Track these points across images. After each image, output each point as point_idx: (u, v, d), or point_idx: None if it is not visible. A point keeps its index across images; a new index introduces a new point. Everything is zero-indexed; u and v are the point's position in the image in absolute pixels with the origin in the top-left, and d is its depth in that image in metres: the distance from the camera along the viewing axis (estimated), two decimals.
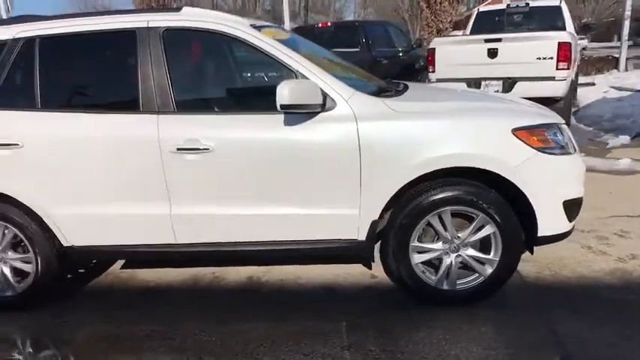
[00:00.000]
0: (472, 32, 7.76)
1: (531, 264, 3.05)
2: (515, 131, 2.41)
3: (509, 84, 6.13)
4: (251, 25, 2.62)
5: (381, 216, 2.55)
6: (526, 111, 2.71)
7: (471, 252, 2.57)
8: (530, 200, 2.44)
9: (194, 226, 2.61)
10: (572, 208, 2.56)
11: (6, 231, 2.72)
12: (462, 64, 6.38)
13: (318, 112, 2.43)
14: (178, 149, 2.47)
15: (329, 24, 8.27)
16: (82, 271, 3.31)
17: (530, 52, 5.91)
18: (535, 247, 2.71)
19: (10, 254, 2.77)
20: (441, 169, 2.43)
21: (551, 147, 2.47)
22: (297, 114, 2.41)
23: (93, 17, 2.68)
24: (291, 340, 2.41)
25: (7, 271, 2.79)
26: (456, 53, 6.47)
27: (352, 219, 2.52)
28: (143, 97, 2.53)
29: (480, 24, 7.77)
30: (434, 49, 6.61)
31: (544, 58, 5.85)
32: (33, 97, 2.62)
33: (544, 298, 2.70)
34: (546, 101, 6.03)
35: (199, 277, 3.14)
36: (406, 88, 2.97)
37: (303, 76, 2.46)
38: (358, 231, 2.55)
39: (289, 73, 2.49)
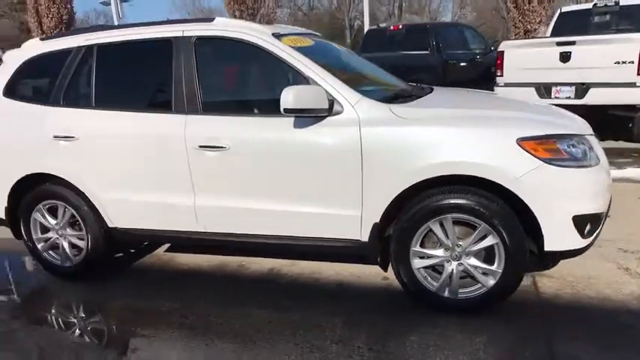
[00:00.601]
0: (553, 34, 7.29)
1: (554, 280, 2.93)
2: (521, 141, 2.35)
3: (582, 90, 5.72)
4: (274, 33, 2.82)
5: (389, 219, 2.61)
6: (541, 120, 2.59)
7: (473, 261, 2.54)
8: (535, 213, 2.37)
9: (213, 217, 2.87)
10: (585, 223, 2.43)
11: (65, 210, 3.19)
12: (531, 68, 6.08)
13: (326, 116, 2.56)
14: (200, 146, 2.75)
15: (400, 26, 8.25)
16: (133, 251, 3.74)
17: (607, 56, 5.47)
18: (561, 263, 2.62)
19: (69, 231, 3.24)
20: (447, 176, 2.44)
21: (561, 158, 2.37)
22: (306, 117, 2.57)
23: (140, 27, 3.05)
24: (289, 330, 2.57)
25: (66, 245, 3.27)
26: (526, 57, 6.17)
27: (355, 220, 2.62)
28: (175, 98, 2.84)
29: (561, 25, 7.27)
30: (502, 52, 6.36)
31: (623, 63, 5.38)
32: (89, 97, 3.06)
33: (555, 315, 2.58)
34: (625, 109, 5.58)
35: (227, 264, 3.41)
36: (427, 93, 2.98)
37: (315, 82, 2.61)
38: (361, 232, 2.63)
39: (302, 79, 2.65)
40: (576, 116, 2.90)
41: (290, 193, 2.70)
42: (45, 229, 3.29)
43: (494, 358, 2.28)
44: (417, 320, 2.60)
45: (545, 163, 2.33)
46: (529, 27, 11.07)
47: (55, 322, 2.90)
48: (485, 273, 2.53)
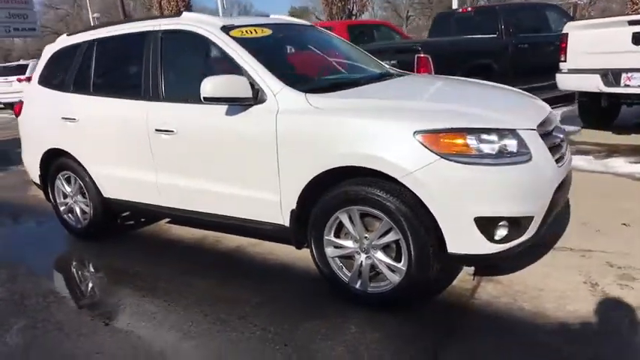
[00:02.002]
0: None
1: (499, 286, 2.71)
2: (419, 134, 2.23)
3: None
4: (225, 25, 2.99)
5: (308, 206, 2.66)
6: (455, 112, 2.39)
7: (380, 256, 2.48)
8: (432, 211, 2.24)
9: (168, 193, 3.18)
10: (493, 227, 2.23)
11: (76, 180, 3.76)
12: (599, 52, 5.35)
13: (252, 105, 2.69)
14: (156, 130, 3.06)
15: (469, 9, 7.70)
16: (143, 220, 4.24)
17: None
18: (524, 269, 2.58)
19: (79, 198, 3.82)
20: (357, 168, 2.41)
21: (466, 154, 2.20)
22: (236, 105, 2.72)
23: (132, 23, 3.45)
24: (209, 301, 2.78)
25: (78, 210, 3.86)
26: (593, 39, 5.42)
27: (276, 205, 2.71)
28: (144, 86, 3.18)
29: None
30: (566, 34, 5.66)
31: None
32: (88, 85, 3.56)
33: (472, 323, 2.41)
34: None
35: (205, 238, 3.71)
36: (377, 81, 2.92)
37: (246, 72, 2.74)
38: (282, 217, 2.73)
39: (236, 68, 2.79)
40: (531, 105, 2.62)
41: (222, 175, 2.88)
42: (64, 196, 3.92)
43: (371, 354, 2.24)
44: (325, 309, 2.62)
45: (443, 158, 2.19)
46: None
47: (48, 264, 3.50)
48: (392, 269, 2.46)
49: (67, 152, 3.68)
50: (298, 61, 3.30)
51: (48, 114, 3.75)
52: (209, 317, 2.63)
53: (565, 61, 5.69)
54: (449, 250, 2.28)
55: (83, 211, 3.83)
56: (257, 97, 2.66)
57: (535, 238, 2.43)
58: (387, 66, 3.78)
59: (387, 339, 2.34)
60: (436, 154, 2.19)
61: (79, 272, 3.49)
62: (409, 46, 6.64)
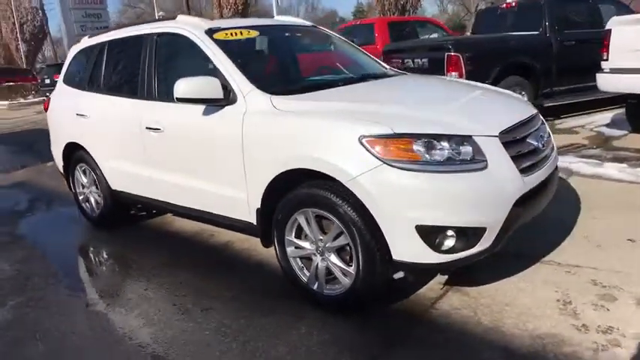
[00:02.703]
0: None
1: (465, 298, 2.62)
2: (364, 139, 2.20)
3: None
4: (211, 27, 3.10)
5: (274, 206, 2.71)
6: (405, 117, 2.32)
7: (334, 259, 2.48)
8: (374, 216, 2.22)
9: (157, 187, 3.36)
10: (436, 236, 2.16)
11: (90, 172, 4.06)
12: None
13: (225, 105, 2.78)
14: (147, 127, 3.24)
15: (513, 4, 7.28)
16: (154, 212, 4.48)
17: None
18: (496, 282, 2.52)
19: (93, 189, 4.12)
20: (309, 170, 2.42)
21: (411, 160, 2.14)
22: (212, 106, 2.82)
23: (135, 26, 3.66)
24: (183, 292, 2.92)
25: (92, 200, 4.16)
26: (638, 35, 4.99)
27: (244, 203, 2.79)
28: (140, 86, 3.38)
29: None
30: (609, 30, 5.25)
31: None
32: (99, 84, 3.82)
33: (420, 333, 2.35)
34: None
35: (201, 232, 3.87)
36: (362, 81, 2.93)
37: (220, 73, 2.83)
38: (250, 215, 2.80)
39: (213, 69, 2.89)
40: (503, 110, 2.51)
41: (201, 173, 3.00)
42: (82, 186, 4.24)
43: (309, 358, 2.25)
44: (283, 307, 2.66)
45: (386, 164, 2.15)
46: None
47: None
48: (344, 273, 2.46)
49: (82, 146, 3.97)
50: (280, 63, 3.35)
51: (67, 110, 4.07)
52: (176, 307, 2.77)
53: (607, 59, 5.28)
54: (393, 258, 2.25)
55: (97, 202, 4.12)
56: (229, 98, 2.75)
57: (492, 251, 2.33)
58: (386, 67, 3.73)
59: (332, 343, 2.34)
60: (379, 159, 2.16)
61: (84, 258, 3.77)
62: (440, 44, 6.45)
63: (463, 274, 2.82)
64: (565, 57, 6.69)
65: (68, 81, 4.20)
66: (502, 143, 2.31)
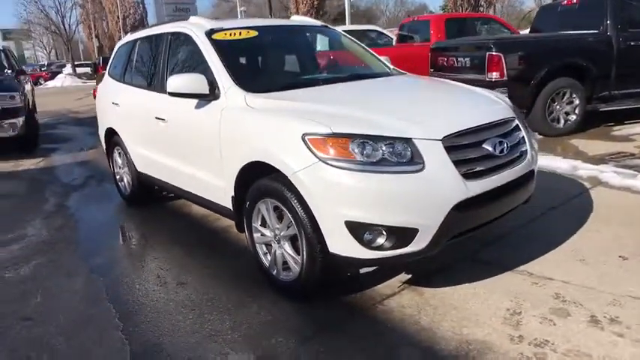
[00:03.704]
0: None
1: (417, 297, 2.67)
2: (306, 136, 2.34)
3: None
4: (212, 28, 3.37)
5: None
6: (346, 117, 2.41)
7: (287, 247, 2.65)
8: (312, 209, 2.35)
9: (166, 171, 3.72)
10: (363, 232, 2.25)
11: (122, 155, 4.55)
12: None
13: (211, 100, 3.04)
14: (156, 117, 3.61)
15: (574, 0, 6.77)
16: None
17: None
18: (458, 285, 2.59)
19: (126, 170, 4.60)
20: (263, 163, 2.59)
21: (345, 159, 2.25)
22: (201, 100, 3.10)
23: (158, 26, 4.04)
24: (168, 268, 3.24)
25: (125, 180, 4.66)
26: None
27: (223, 191, 3.04)
28: (154, 79, 3.75)
29: None
30: None
31: None
32: (130, 76, 4.27)
33: (355, 325, 2.45)
34: None
35: (208, 216, 4.18)
36: (347, 80, 3.08)
37: (210, 70, 3.10)
38: (228, 202, 3.04)
39: (206, 67, 3.16)
40: (460, 112, 2.52)
41: (194, 160, 3.29)
42: (119, 167, 4.76)
43: (245, 334, 2.45)
44: (246, 288, 2.87)
45: (322, 161, 2.28)
46: None
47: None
48: (295, 262, 2.61)
49: (116, 131, 4.47)
50: (271, 62, 3.54)
51: (107, 98, 4.59)
52: (158, 279, 3.09)
53: None
54: (330, 250, 2.37)
55: (128, 182, 4.61)
56: (214, 93, 3.00)
57: (429, 253, 2.37)
58: (389, 67, 3.78)
59: (272, 323, 2.53)
60: (317, 156, 2.29)
61: (106, 230, 4.22)
62: (482, 43, 6.25)
63: (428, 276, 2.86)
64: (627, 58, 6.17)
65: (110, 73, 4.72)
66: (446, 147, 2.33)
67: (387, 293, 2.74)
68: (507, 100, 3.05)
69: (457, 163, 2.33)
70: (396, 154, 2.27)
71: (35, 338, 2.50)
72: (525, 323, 2.37)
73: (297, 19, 4.26)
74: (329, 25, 4.16)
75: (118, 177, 4.80)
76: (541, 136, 6.41)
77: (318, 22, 4.11)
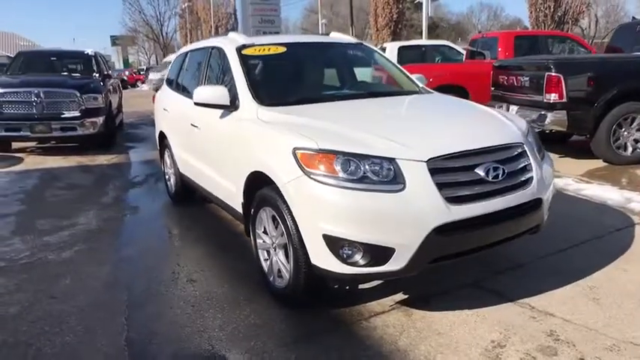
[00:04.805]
0: None
1: (405, 319, 2.66)
2: (297, 151, 2.45)
3: None
4: (245, 44, 3.60)
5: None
6: (336, 135, 2.48)
7: (280, 255, 2.75)
8: (296, 220, 2.45)
9: (199, 175, 3.99)
10: (339, 247, 2.31)
11: (170, 156, 4.92)
12: None
13: (232, 111, 3.26)
14: (191, 124, 3.90)
15: None
16: None
17: None
18: (450, 312, 2.60)
19: (172, 170, 4.97)
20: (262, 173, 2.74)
21: (328, 175, 2.33)
22: (225, 110, 3.32)
23: (205, 40, 4.37)
24: (187, 262, 3.48)
25: (172, 179, 5.02)
26: None
27: (236, 196, 3.22)
28: (193, 89, 4.05)
29: None
30: None
31: None
32: (178, 84, 4.64)
33: (331, 337, 2.49)
34: None
35: (234, 220, 4.35)
36: (362, 97, 3.20)
37: (234, 83, 3.32)
38: (240, 206, 3.22)
39: (232, 79, 3.38)
40: (455, 134, 2.53)
41: (217, 166, 3.52)
42: (168, 167, 5.15)
43: (229, 334, 2.58)
44: (246, 288, 3.04)
45: (306, 175, 2.37)
46: None
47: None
48: (286, 270, 2.72)
49: (165, 135, 4.86)
50: (293, 77, 3.68)
51: (161, 104, 5.01)
52: (173, 274, 3.33)
53: None
54: (312, 262, 2.45)
55: (174, 181, 4.99)
56: (235, 104, 3.21)
57: (408, 273, 2.37)
58: (418, 85, 3.78)
59: (258, 326, 2.64)
60: (303, 170, 2.39)
61: (145, 225, 4.54)
62: (542, 63, 5.95)
63: (425, 297, 2.85)
64: None
65: (166, 81, 5.15)
66: (431, 169, 2.32)
67: (377, 310, 2.76)
68: (522, 123, 2.94)
69: (441, 186, 2.31)
70: (379, 173, 2.30)
71: (53, 313, 2.83)
72: (505, 357, 2.29)
73: (336, 36, 4.39)
74: (365, 43, 4.23)
75: (167, 177, 5.19)
76: (606, 164, 5.98)
77: (353, 40, 4.20)
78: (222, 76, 3.65)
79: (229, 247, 3.83)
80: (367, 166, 2.31)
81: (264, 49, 3.59)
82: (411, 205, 2.26)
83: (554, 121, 5.75)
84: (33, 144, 8.65)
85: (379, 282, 3.00)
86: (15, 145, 8.34)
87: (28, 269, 3.48)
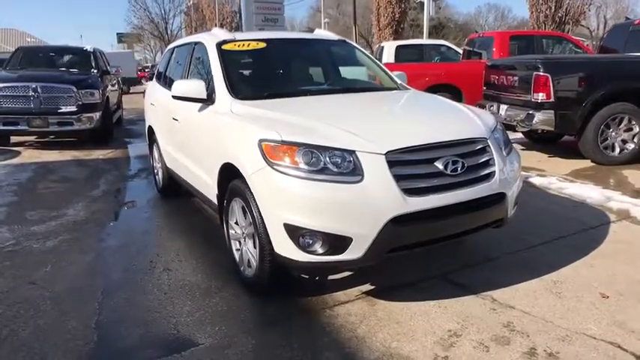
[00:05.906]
0: None
1: (368, 308, 2.73)
2: (261, 142, 2.52)
3: None
4: (225, 39, 3.68)
5: None
6: (298, 127, 2.56)
7: (249, 244, 2.83)
8: (260, 210, 2.52)
9: (180, 167, 4.07)
10: (298, 235, 2.38)
11: (157, 150, 5.02)
12: None
13: (209, 104, 3.34)
14: (172, 118, 3.99)
15: None
16: None
17: None
18: (418, 306, 2.65)
19: (159, 165, 5.05)
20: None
21: (290, 166, 2.40)
22: (203, 104, 3.40)
23: (191, 36, 4.45)
24: (165, 252, 3.57)
25: (159, 174, 5.11)
26: None
27: (211, 188, 3.30)
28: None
29: None
30: None
31: None
32: (164, 78, 4.73)
33: (291, 324, 2.57)
34: None
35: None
36: (336, 93, 3.28)
37: (211, 76, 3.40)
38: (215, 198, 3.30)
39: (210, 73, 3.46)
40: (418, 129, 2.61)
41: (195, 159, 3.60)
42: (156, 161, 5.24)
43: (196, 320, 2.66)
44: (221, 278, 3.11)
45: (269, 166, 2.44)
46: None
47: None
48: (255, 259, 2.79)
49: (153, 129, 4.95)
50: (269, 72, 3.75)
51: (149, 99, 5.10)
52: (151, 263, 3.41)
53: None
54: (275, 250, 2.52)
55: (162, 175, 5.07)
56: (212, 98, 3.29)
57: (367, 263, 2.44)
58: (397, 82, 3.84)
59: (225, 312, 2.72)
60: (267, 161, 2.47)
61: (132, 217, 4.67)
62: (530, 62, 5.99)
63: (391, 289, 2.91)
64: None
65: (155, 75, 5.24)
66: (389, 161, 2.39)
67: (342, 300, 2.83)
68: (488, 119, 3.00)
69: (399, 178, 2.38)
70: (339, 165, 2.37)
71: (31, 298, 2.92)
72: (459, 346, 2.35)
73: (321, 33, 4.46)
74: (347, 40, 4.29)
75: (155, 171, 5.29)
76: (593, 164, 6.00)
77: (336, 37, 4.27)
78: (203, 71, 3.73)
79: (210, 238, 3.90)
80: (328, 158, 2.38)
81: (243, 45, 3.66)
82: (369, 196, 2.33)
83: (541, 120, 5.79)
84: (31, 138, 8.80)
85: (349, 273, 3.09)
86: (13, 139, 8.49)
87: (12, 256, 3.59)
